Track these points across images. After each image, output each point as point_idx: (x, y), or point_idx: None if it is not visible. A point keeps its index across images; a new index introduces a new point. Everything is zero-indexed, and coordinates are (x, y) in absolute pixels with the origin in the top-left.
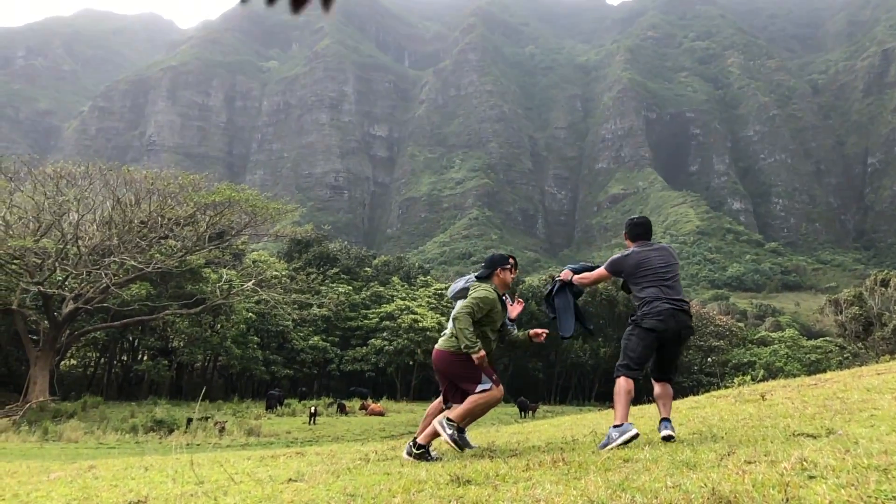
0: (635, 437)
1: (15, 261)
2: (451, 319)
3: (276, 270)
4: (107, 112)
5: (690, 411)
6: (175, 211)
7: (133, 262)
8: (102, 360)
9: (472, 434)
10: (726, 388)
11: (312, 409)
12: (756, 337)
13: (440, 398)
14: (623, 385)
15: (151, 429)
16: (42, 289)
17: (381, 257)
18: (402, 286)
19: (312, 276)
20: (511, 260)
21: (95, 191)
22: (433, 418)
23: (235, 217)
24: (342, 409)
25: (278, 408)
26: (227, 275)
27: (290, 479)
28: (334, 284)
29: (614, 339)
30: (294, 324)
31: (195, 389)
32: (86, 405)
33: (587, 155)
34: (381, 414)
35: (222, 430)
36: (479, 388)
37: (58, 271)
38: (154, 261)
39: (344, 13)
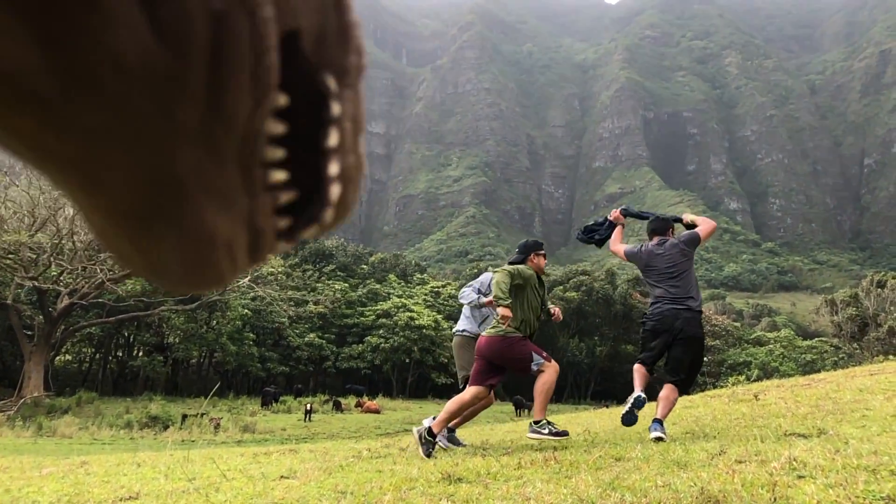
0: (638, 398)
1: (9, 256)
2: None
3: (272, 267)
4: None
5: (684, 410)
6: None
7: None
8: (97, 355)
9: (467, 433)
10: (721, 387)
11: (308, 406)
12: (752, 337)
13: (470, 392)
14: (636, 367)
15: (146, 425)
16: (37, 284)
17: (378, 254)
18: (399, 284)
19: (309, 273)
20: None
21: None
22: (472, 409)
23: None
24: (338, 407)
25: (274, 405)
26: None
27: (282, 476)
28: (330, 281)
29: (610, 339)
30: (290, 321)
31: (190, 386)
32: (80, 401)
33: (584, 153)
34: (376, 411)
35: (217, 426)
36: (534, 365)
37: (53, 266)
38: None
39: None
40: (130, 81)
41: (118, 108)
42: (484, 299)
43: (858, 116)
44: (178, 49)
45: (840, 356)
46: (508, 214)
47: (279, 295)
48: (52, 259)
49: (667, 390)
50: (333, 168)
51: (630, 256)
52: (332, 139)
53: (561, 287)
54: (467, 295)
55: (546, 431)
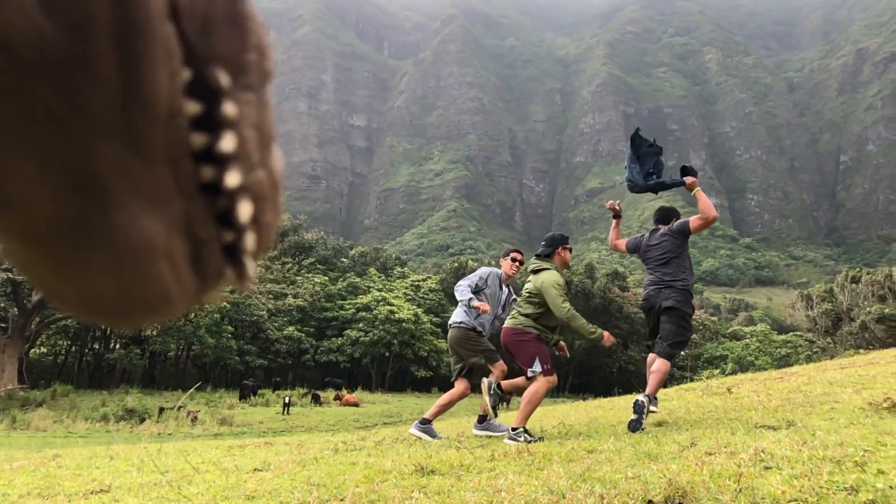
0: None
1: None
2: (519, 302)
3: None
4: None
5: (659, 403)
6: None
7: None
8: (73, 348)
9: (443, 425)
10: (696, 381)
11: (286, 399)
12: (728, 331)
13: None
14: (648, 359)
15: (122, 418)
16: (10, 275)
17: (359, 248)
18: (379, 277)
19: (288, 266)
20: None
21: None
22: (450, 401)
23: None
24: (316, 400)
25: (252, 398)
26: None
27: (256, 469)
28: (310, 275)
29: None
30: (269, 314)
31: (168, 379)
32: (55, 394)
33: (565, 148)
34: (355, 405)
35: (195, 419)
36: (530, 371)
37: None
38: None
39: (324, 1)
40: (24, 69)
41: (14, 104)
42: (475, 302)
43: (835, 114)
44: (77, 25)
45: (814, 350)
46: (490, 209)
47: (258, 288)
48: None
49: (658, 363)
50: (232, 179)
51: (631, 249)
52: (227, 143)
53: None
54: (462, 291)
55: (522, 440)
